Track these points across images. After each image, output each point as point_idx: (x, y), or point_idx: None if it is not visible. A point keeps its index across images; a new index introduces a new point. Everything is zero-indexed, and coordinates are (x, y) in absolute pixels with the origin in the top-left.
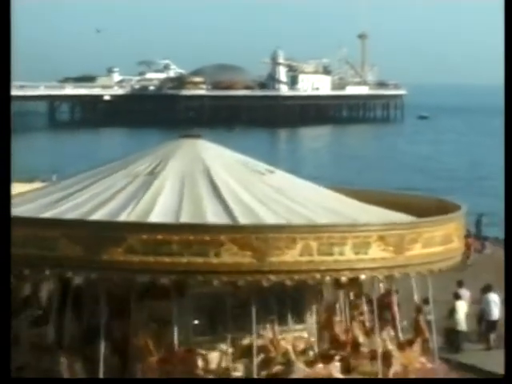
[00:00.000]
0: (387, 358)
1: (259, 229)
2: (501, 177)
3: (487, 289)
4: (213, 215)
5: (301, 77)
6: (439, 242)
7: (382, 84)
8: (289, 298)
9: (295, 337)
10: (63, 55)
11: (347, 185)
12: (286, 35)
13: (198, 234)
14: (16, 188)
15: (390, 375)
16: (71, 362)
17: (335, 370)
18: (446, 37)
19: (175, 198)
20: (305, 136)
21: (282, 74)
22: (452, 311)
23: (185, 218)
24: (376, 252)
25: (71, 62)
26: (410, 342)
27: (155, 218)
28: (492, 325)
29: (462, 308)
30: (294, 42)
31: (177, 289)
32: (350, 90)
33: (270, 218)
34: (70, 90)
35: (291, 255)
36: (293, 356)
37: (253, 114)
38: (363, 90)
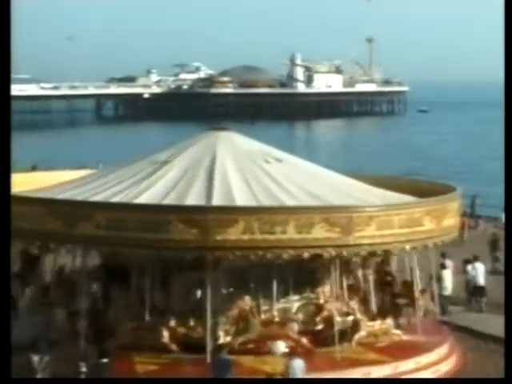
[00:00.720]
0: (354, 325)
1: (203, 209)
2: (491, 163)
3: (475, 259)
4: (193, 199)
5: (316, 76)
6: (401, 224)
7: (387, 82)
8: (305, 272)
9: (312, 303)
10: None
11: (356, 170)
12: (303, 38)
13: (150, 214)
14: (68, 175)
15: (354, 341)
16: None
17: (291, 331)
18: (445, 38)
19: (171, 183)
20: (319, 128)
21: (300, 73)
22: (439, 279)
23: (167, 201)
24: (319, 232)
25: (116, 63)
26: (384, 314)
27: (142, 200)
28: (479, 289)
29: (448, 276)
30: (310, 45)
31: (210, 263)
32: (359, 87)
33: (244, 202)
34: (114, 89)
35: (234, 233)
36: (249, 315)
37: (274, 109)
38: (371, 87)
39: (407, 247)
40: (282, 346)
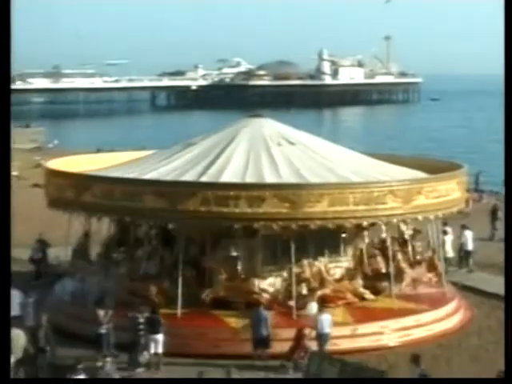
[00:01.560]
0: (320, 282)
1: (169, 184)
2: (494, 144)
3: (463, 227)
4: (190, 176)
5: (340, 69)
6: (356, 202)
7: (403, 74)
8: (336, 238)
9: (342, 266)
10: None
11: (375, 150)
12: (329, 37)
13: (129, 186)
14: (126, 156)
15: (316, 296)
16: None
17: (253, 285)
18: (455, 36)
19: (182, 162)
20: (344, 114)
21: (326, 67)
22: (442, 244)
23: (171, 177)
24: (269, 207)
25: (167, 59)
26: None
27: (153, 176)
28: (468, 253)
29: (449, 241)
30: (335, 42)
31: (249, 232)
32: (379, 79)
33: (230, 179)
34: (166, 81)
35: (193, 205)
36: (216, 272)
37: (304, 98)
38: (388, 79)
39: (365, 223)
40: (314, 308)
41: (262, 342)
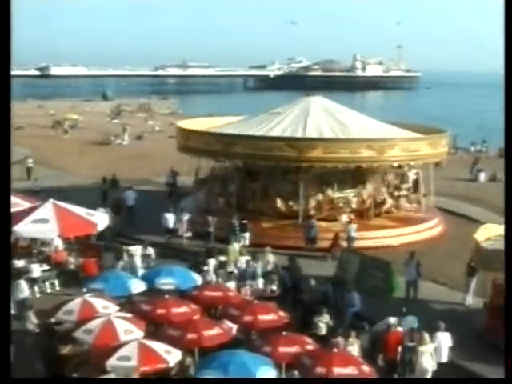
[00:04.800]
0: (383, 201)
1: (297, 139)
2: (461, 119)
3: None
4: (300, 133)
5: (367, 66)
6: (413, 149)
7: (408, 70)
8: (364, 175)
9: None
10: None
11: (388, 120)
12: (361, 44)
13: (218, 138)
14: (228, 120)
15: (383, 209)
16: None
17: (343, 211)
18: (445, 40)
19: (286, 123)
20: (368, 96)
21: (358, 64)
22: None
23: (288, 134)
24: (365, 153)
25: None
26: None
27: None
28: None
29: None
30: (364, 48)
31: (303, 169)
32: (392, 73)
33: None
34: (253, 71)
35: (313, 152)
36: (322, 203)
37: (343, 85)
38: (398, 73)
39: (420, 162)
40: (344, 217)
41: (311, 240)
